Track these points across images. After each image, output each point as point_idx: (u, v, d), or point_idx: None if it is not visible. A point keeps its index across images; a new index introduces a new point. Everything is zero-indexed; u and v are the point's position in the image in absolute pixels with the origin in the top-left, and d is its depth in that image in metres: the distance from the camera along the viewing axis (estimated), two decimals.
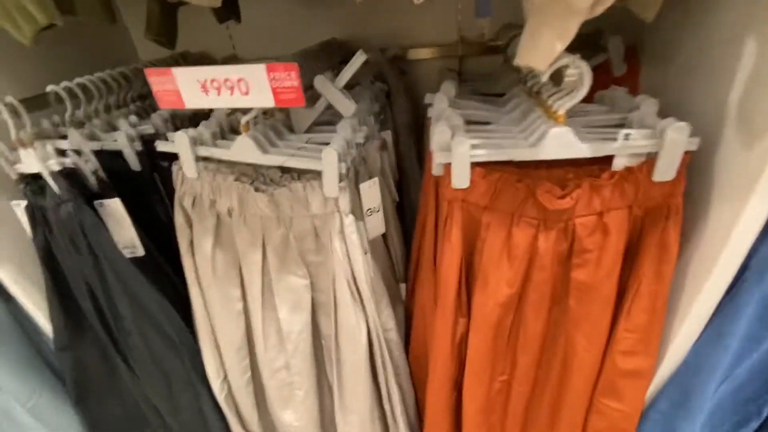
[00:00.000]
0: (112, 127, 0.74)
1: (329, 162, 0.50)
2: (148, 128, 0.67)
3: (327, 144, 0.57)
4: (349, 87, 0.59)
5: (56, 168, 0.55)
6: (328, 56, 0.77)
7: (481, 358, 0.63)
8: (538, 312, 0.58)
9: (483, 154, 0.48)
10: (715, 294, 0.50)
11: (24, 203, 0.69)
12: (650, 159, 0.46)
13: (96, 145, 0.62)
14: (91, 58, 0.87)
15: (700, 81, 0.52)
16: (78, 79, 0.68)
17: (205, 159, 0.58)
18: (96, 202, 0.58)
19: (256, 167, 0.60)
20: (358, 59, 0.54)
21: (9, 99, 0.57)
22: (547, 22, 0.38)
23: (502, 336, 0.61)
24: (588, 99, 0.46)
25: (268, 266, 0.62)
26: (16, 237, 0.75)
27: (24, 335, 0.83)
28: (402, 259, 0.79)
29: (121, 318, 0.64)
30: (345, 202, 0.53)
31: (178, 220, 0.61)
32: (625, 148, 0.45)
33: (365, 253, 0.57)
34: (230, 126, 0.62)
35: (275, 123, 0.58)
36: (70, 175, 0.56)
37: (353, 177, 0.57)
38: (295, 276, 0.63)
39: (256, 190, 0.55)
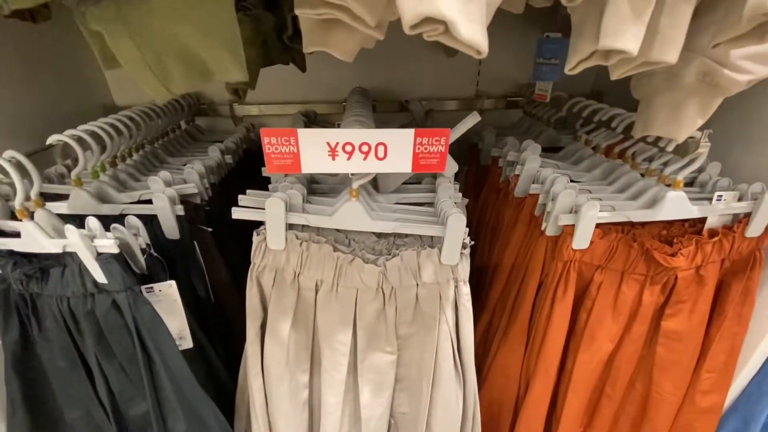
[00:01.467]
0: (122, 184, 0.59)
1: (456, 228, 0.46)
2: (188, 187, 0.55)
3: (419, 204, 0.54)
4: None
5: (112, 250, 0.41)
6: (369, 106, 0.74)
7: (575, 414, 0.61)
8: (629, 364, 0.60)
9: (607, 216, 0.49)
10: None
11: None
12: (743, 219, 0.52)
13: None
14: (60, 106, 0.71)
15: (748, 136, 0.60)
16: (85, 126, 0.54)
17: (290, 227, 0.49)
18: (145, 287, 0.45)
19: (346, 232, 0.53)
20: (473, 118, 0.52)
21: (11, 153, 0.42)
22: (693, 97, 0.41)
23: (595, 393, 0.61)
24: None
25: (356, 345, 0.54)
26: None
27: None
28: None
29: (166, 428, 0.49)
30: (465, 270, 0.49)
31: (252, 300, 0.50)
32: (727, 209, 0.50)
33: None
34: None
35: (366, 188, 0.52)
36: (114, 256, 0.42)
37: None
38: (382, 352, 0.55)
39: (365, 261, 0.48)
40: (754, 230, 0.51)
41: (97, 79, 0.82)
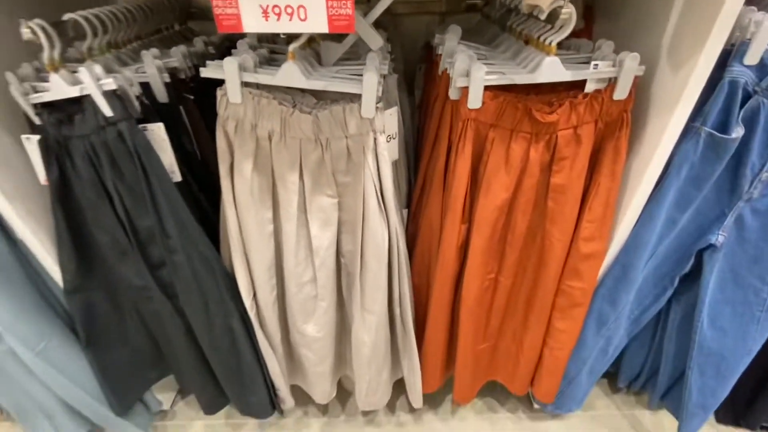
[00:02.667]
0: (123, 62, 0.75)
1: (370, 85, 0.60)
2: (173, 61, 0.70)
3: (355, 75, 0.67)
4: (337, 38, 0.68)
5: (111, 87, 0.57)
6: None
7: (479, 256, 0.78)
8: (524, 213, 0.75)
9: (494, 79, 0.61)
10: (648, 185, 0.69)
11: (36, 138, 0.69)
12: (611, 84, 0.63)
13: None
14: None
15: (642, 29, 0.69)
16: (91, 11, 0.68)
17: (246, 85, 0.64)
18: (140, 126, 0.62)
19: (293, 95, 0.67)
20: None
21: (39, 21, 0.58)
22: None
23: (496, 237, 0.77)
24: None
25: (304, 186, 0.70)
26: (22, 176, 0.74)
27: (30, 280, 0.83)
28: (404, 188, 0.91)
29: (167, 236, 0.69)
30: (380, 122, 0.64)
31: (221, 144, 0.67)
32: (596, 73, 0.61)
33: (392, 169, 0.68)
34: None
35: (308, 56, 0.66)
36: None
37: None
38: (326, 196, 0.72)
39: (300, 112, 0.63)
40: (619, 93, 0.62)
41: None
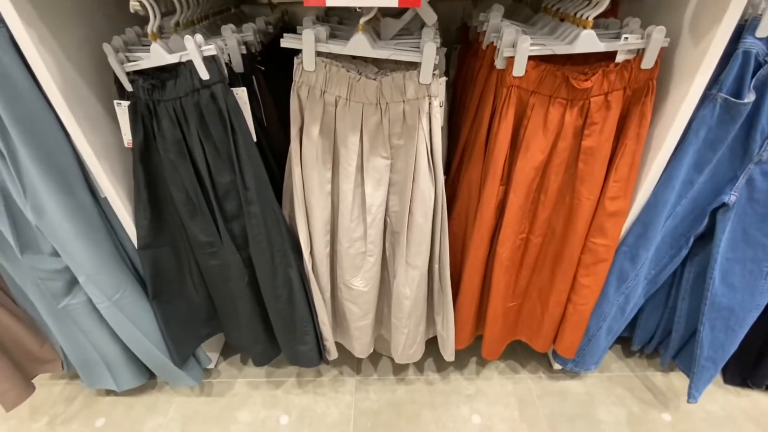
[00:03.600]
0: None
1: (429, 53, 0.68)
2: (248, 36, 0.79)
3: (413, 47, 0.75)
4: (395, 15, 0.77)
5: (211, 53, 0.66)
6: None
7: (515, 215, 0.87)
8: (557, 174, 0.83)
9: (537, 49, 0.70)
10: (670, 148, 0.78)
11: (126, 103, 0.78)
12: (639, 55, 0.71)
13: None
14: None
15: (665, 8, 0.78)
16: None
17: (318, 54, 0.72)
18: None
19: (356, 65, 0.76)
20: None
21: None
22: None
23: (530, 197, 0.86)
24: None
25: (363, 148, 0.79)
26: (108, 139, 0.84)
27: (111, 234, 0.92)
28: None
29: (246, 189, 0.78)
30: (435, 88, 0.72)
31: (294, 107, 0.76)
32: (626, 45, 0.70)
33: (442, 132, 0.77)
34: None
35: (370, 29, 0.75)
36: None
37: None
38: (381, 157, 0.81)
39: (366, 78, 0.72)
40: (647, 62, 0.70)
41: None
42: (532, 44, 0.70)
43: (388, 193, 0.87)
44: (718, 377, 1.26)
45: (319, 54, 0.72)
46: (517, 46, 0.69)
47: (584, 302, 0.99)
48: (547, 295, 1.02)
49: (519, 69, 0.71)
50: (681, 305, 1.07)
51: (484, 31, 0.81)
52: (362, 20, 0.68)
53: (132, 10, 0.67)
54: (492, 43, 0.77)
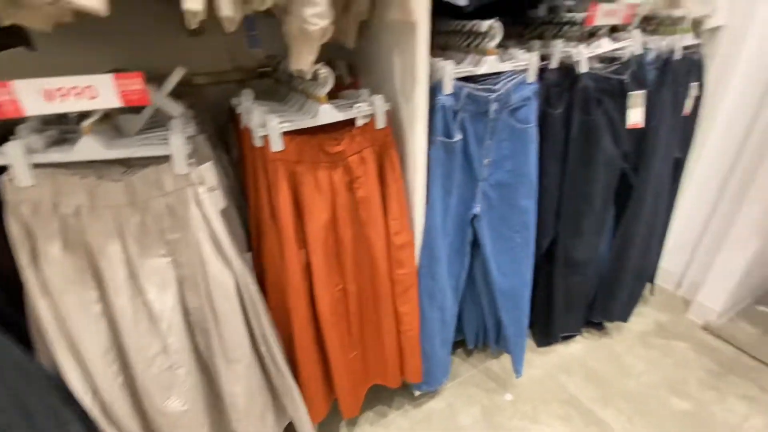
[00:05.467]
0: None
1: (177, 144, 0.67)
2: None
3: (163, 140, 0.73)
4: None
5: None
6: None
7: (322, 272, 0.90)
8: (346, 226, 0.91)
9: (286, 126, 0.77)
10: (421, 184, 0.96)
11: None
12: (373, 118, 0.86)
13: None
14: None
15: (387, 79, 0.97)
16: None
17: (37, 166, 0.62)
18: None
19: (97, 169, 0.68)
20: (179, 72, 0.72)
21: None
22: (302, 46, 0.71)
23: (330, 252, 0.91)
24: (334, 97, 0.83)
25: (129, 254, 0.70)
26: None
27: None
28: (242, 233, 0.98)
29: None
30: (196, 176, 0.71)
31: (14, 230, 0.61)
32: (358, 112, 0.84)
33: (220, 213, 0.75)
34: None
35: (107, 129, 0.69)
36: None
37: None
38: (158, 257, 0.73)
39: (109, 181, 0.65)
40: (379, 123, 0.86)
41: None
42: (281, 121, 0.76)
43: (182, 291, 0.78)
44: (532, 344, 1.54)
45: (41, 166, 0.62)
46: (267, 126, 0.74)
47: (410, 328, 1.08)
48: (380, 334, 1.08)
49: (276, 145, 0.76)
50: (483, 300, 1.29)
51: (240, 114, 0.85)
52: (86, 122, 0.62)
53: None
54: (247, 124, 0.81)
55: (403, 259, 1.00)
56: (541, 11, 1.16)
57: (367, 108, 0.85)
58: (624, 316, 1.53)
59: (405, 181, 0.96)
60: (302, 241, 0.88)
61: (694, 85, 1.25)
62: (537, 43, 1.09)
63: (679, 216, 1.59)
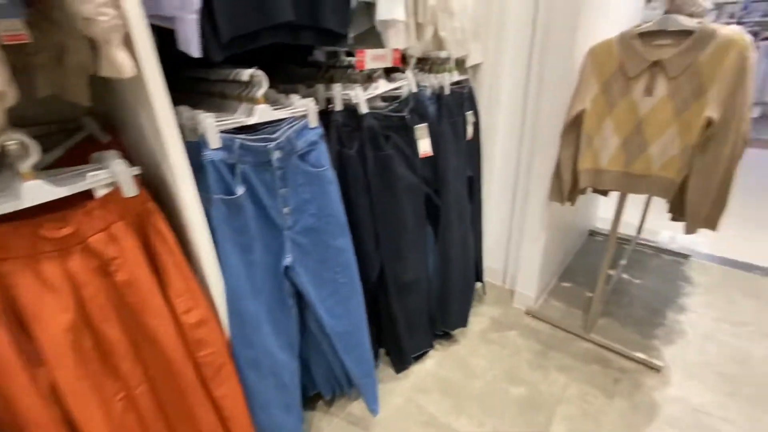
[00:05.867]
0: None
1: None
2: None
3: None
4: None
5: None
6: None
7: (80, 384, 0.70)
8: (108, 320, 0.73)
9: None
10: (206, 249, 0.84)
11: None
12: (118, 185, 0.72)
13: None
14: None
15: (140, 136, 0.83)
16: None
17: None
18: None
19: None
20: None
21: None
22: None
23: (88, 358, 0.72)
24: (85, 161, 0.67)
25: None
26: None
27: None
28: None
29: None
30: None
31: None
32: (96, 182, 0.68)
33: None
34: None
35: None
36: None
37: None
38: None
39: None
40: (127, 191, 0.72)
41: None
42: None
43: None
44: (392, 372, 1.54)
45: None
46: None
47: (234, 411, 0.94)
48: (197, 429, 0.90)
49: None
50: (324, 347, 1.22)
51: None
52: None
53: None
54: None
55: (203, 338, 0.85)
56: (321, 56, 1.19)
57: (107, 175, 0.70)
58: (464, 322, 1.66)
59: (188, 250, 0.83)
60: (35, 359, 0.66)
61: (469, 113, 1.45)
62: (321, 87, 1.10)
63: (490, 218, 1.83)
